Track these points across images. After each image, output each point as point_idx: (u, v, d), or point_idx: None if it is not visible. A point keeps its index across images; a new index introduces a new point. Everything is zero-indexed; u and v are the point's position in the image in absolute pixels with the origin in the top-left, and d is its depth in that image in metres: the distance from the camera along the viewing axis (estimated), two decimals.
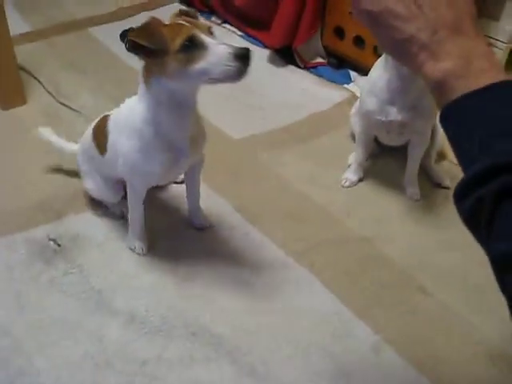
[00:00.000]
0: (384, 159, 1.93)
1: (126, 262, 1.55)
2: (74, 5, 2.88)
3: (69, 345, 1.33)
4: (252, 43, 2.60)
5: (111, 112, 1.48)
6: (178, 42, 1.14)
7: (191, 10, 1.29)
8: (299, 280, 1.51)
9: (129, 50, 1.18)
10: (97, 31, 2.61)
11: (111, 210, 1.67)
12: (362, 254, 1.60)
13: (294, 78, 2.39)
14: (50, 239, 1.59)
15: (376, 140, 1.81)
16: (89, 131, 1.58)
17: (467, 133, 0.59)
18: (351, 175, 1.83)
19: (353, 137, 1.95)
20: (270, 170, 1.87)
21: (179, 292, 1.47)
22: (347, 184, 1.82)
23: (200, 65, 1.14)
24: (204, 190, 1.72)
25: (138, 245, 1.56)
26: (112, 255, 1.56)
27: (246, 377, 1.28)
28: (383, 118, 1.61)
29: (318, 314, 1.42)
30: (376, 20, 0.64)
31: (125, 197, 1.55)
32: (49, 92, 2.20)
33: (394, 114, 1.59)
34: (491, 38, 2.35)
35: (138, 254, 1.56)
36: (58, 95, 2.18)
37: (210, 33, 1.19)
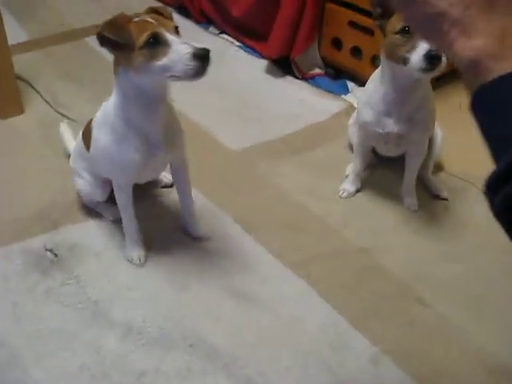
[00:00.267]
0: (382, 170, 1.93)
1: (123, 272, 1.54)
2: (71, 14, 2.89)
3: (66, 356, 1.32)
4: (250, 54, 2.61)
5: None
6: (142, 38, 1.19)
7: (163, 8, 1.34)
8: (297, 291, 1.51)
9: (100, 44, 1.24)
10: (94, 41, 2.59)
11: (104, 215, 1.69)
12: (359, 264, 1.59)
13: (292, 88, 2.40)
14: (47, 249, 1.58)
15: (373, 151, 1.82)
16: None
17: (503, 119, 0.54)
18: (349, 186, 1.83)
19: (350, 147, 1.96)
20: (268, 181, 1.87)
21: (177, 303, 1.47)
22: (345, 195, 1.82)
23: (162, 61, 1.20)
24: (202, 200, 1.73)
25: (136, 255, 1.55)
26: (109, 265, 1.56)
27: None
28: (380, 130, 1.61)
29: (316, 326, 1.42)
30: None
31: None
32: (46, 101, 2.20)
33: (391, 125, 1.59)
34: None
35: (136, 264, 1.55)
36: (56, 104, 2.18)
37: (176, 32, 1.25)
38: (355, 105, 2.16)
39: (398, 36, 1.41)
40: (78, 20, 2.80)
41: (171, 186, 1.73)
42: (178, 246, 1.62)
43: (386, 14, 1.45)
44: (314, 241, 1.66)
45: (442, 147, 1.84)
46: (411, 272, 1.57)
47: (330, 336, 1.39)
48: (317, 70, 2.45)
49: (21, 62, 2.29)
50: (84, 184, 1.63)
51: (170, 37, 1.20)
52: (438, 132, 1.82)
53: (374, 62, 2.19)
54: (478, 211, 1.77)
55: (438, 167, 1.91)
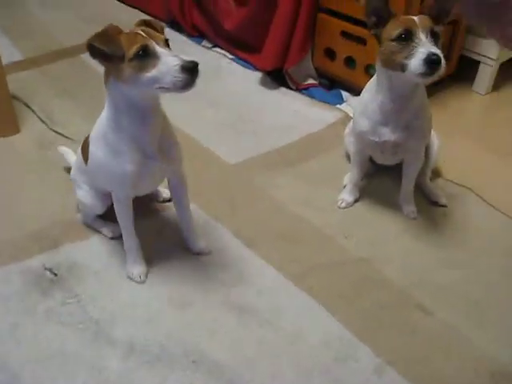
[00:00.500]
0: (379, 178, 1.93)
1: (123, 290, 1.53)
2: (65, 32, 2.90)
3: (68, 378, 1.31)
4: (243, 66, 2.62)
5: None
6: (132, 50, 1.21)
7: (154, 21, 1.35)
8: (299, 303, 1.50)
9: (90, 55, 1.25)
10: (89, 58, 2.59)
11: (102, 233, 1.69)
12: (360, 275, 1.59)
13: (286, 100, 2.41)
14: (46, 268, 1.58)
15: (371, 159, 1.82)
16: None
17: None
18: (347, 196, 1.83)
19: (347, 157, 1.96)
20: (264, 193, 1.87)
21: (178, 319, 1.46)
22: (343, 205, 1.82)
23: (151, 73, 1.21)
24: (199, 214, 1.72)
25: (137, 272, 1.55)
26: (109, 284, 1.55)
27: None
28: (377, 139, 1.61)
29: (319, 338, 1.41)
30: None
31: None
32: (42, 120, 2.20)
33: (388, 134, 1.59)
34: (480, 54, 2.38)
35: (137, 281, 1.55)
36: (51, 123, 2.18)
37: (166, 44, 1.26)
38: (350, 114, 2.17)
39: (394, 43, 1.41)
40: (72, 38, 2.80)
41: (170, 200, 1.73)
42: (179, 261, 1.62)
43: (381, 22, 1.46)
44: (314, 252, 1.66)
45: (439, 154, 1.84)
46: (411, 279, 1.57)
47: (334, 348, 1.39)
48: (311, 81, 2.46)
49: (16, 81, 2.29)
50: (85, 196, 1.64)
51: (159, 49, 1.22)
52: (435, 139, 1.83)
53: (368, 72, 2.20)
54: (476, 216, 1.78)
55: (436, 174, 1.91)
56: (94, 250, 1.65)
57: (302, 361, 1.36)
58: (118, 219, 1.52)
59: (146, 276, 1.57)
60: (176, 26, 2.91)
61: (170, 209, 1.75)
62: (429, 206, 1.82)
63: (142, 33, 1.24)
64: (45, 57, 2.68)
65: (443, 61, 1.35)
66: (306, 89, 2.44)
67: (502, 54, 2.34)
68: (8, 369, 1.32)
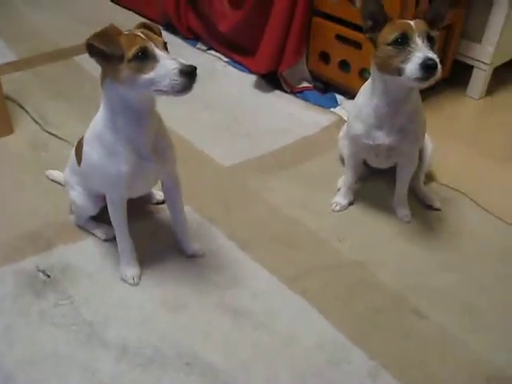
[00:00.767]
0: (373, 182, 1.93)
1: (117, 292, 1.53)
2: (59, 34, 2.89)
3: (61, 380, 1.30)
4: (238, 69, 2.62)
5: None
6: (131, 51, 1.21)
7: (153, 24, 1.36)
8: (293, 306, 1.50)
9: (89, 54, 1.24)
10: (83, 60, 2.61)
11: (96, 235, 1.68)
12: (354, 278, 1.59)
13: (281, 103, 2.41)
14: (40, 270, 1.57)
15: (365, 163, 1.82)
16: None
17: None
18: (341, 199, 1.83)
19: (341, 160, 1.96)
20: (259, 196, 1.87)
21: (172, 321, 1.45)
22: (337, 208, 1.82)
23: (149, 75, 1.21)
24: (194, 216, 1.72)
25: (130, 274, 1.55)
26: (103, 285, 1.54)
27: None
28: (371, 142, 1.61)
29: (313, 341, 1.41)
30: None
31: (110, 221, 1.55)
32: (35, 121, 2.19)
33: (382, 137, 1.59)
34: (474, 59, 2.40)
35: (130, 283, 1.54)
36: (45, 124, 2.17)
37: (164, 47, 1.27)
38: (345, 118, 2.17)
39: (390, 47, 1.41)
40: (66, 39, 2.80)
41: (163, 202, 1.73)
42: (173, 263, 1.61)
43: (377, 27, 1.46)
44: (309, 256, 1.66)
45: (433, 157, 1.85)
46: (406, 283, 1.57)
47: (328, 351, 1.39)
48: (305, 84, 2.47)
49: (10, 82, 2.29)
50: (77, 197, 1.63)
51: (158, 52, 1.22)
52: (428, 142, 1.83)
53: (363, 75, 2.21)
54: (470, 220, 1.78)
55: (429, 177, 1.92)
56: (87, 251, 1.65)
57: (296, 363, 1.36)
58: (112, 221, 1.52)
59: (140, 278, 1.56)
60: (171, 29, 2.90)
61: (164, 211, 1.75)
62: (423, 210, 1.82)
63: (141, 35, 1.24)
64: (39, 58, 2.67)
65: (439, 65, 1.35)
66: (300, 92, 2.44)
67: (495, 59, 2.36)
68: (1, 370, 1.31)
